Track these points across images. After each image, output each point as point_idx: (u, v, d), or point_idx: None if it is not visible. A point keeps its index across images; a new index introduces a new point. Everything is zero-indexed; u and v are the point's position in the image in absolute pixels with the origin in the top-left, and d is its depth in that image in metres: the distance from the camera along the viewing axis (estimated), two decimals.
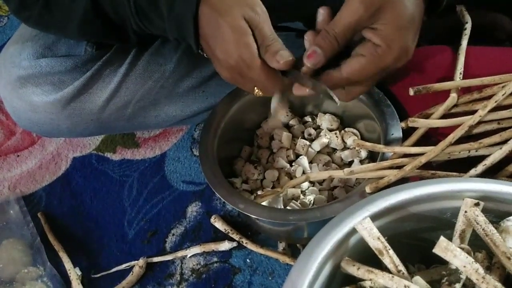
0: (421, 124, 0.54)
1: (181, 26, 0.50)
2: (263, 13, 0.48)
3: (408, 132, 0.57)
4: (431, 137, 0.56)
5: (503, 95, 0.52)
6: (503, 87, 0.53)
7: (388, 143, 0.57)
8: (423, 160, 0.51)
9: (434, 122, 0.54)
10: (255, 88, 0.51)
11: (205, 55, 0.53)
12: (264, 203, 0.60)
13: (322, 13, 0.49)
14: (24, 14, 0.58)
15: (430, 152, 0.51)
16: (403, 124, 0.57)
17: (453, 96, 0.55)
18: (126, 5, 0.51)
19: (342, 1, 0.68)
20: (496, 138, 0.51)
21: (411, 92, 0.55)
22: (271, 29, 0.49)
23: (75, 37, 0.62)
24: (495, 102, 0.52)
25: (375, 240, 0.40)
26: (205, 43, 0.50)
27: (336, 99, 0.47)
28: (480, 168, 0.49)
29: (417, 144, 0.55)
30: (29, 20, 0.58)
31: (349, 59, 0.48)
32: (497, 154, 0.49)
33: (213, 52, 0.50)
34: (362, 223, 0.40)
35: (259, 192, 0.62)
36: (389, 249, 0.39)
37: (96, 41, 0.65)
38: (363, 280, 0.41)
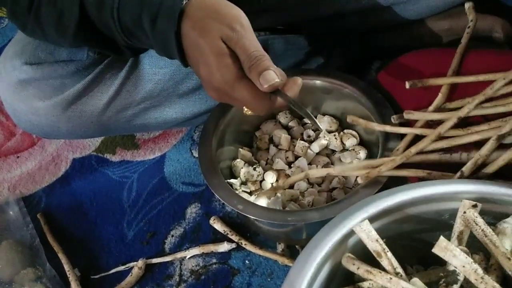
0: (417, 116, 0.55)
1: (165, 44, 0.49)
2: (244, 28, 0.46)
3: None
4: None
5: (491, 89, 0.53)
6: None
7: (386, 144, 0.57)
8: (413, 150, 0.52)
9: (430, 114, 0.55)
10: (244, 107, 0.50)
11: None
12: (263, 205, 0.60)
13: None
14: (19, 22, 0.57)
15: (421, 142, 0.52)
16: (394, 117, 0.57)
17: (441, 95, 0.56)
18: (112, 25, 0.51)
19: (342, 2, 0.70)
20: (484, 126, 0.51)
21: (407, 85, 0.56)
22: (254, 44, 0.46)
23: (70, 46, 0.62)
24: (484, 95, 0.53)
25: (374, 242, 0.40)
26: (190, 62, 0.50)
27: (320, 126, 0.49)
28: (469, 167, 0.49)
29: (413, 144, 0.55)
30: (25, 30, 0.58)
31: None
32: (484, 151, 0.49)
33: (197, 71, 0.49)
34: (360, 225, 0.41)
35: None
36: (387, 251, 0.40)
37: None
38: (362, 281, 0.41)
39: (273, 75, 0.45)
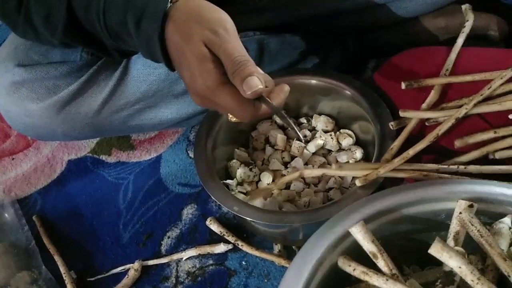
0: (412, 114, 0.55)
1: (150, 48, 0.48)
2: (228, 32, 0.45)
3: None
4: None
5: (488, 88, 0.53)
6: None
7: (382, 144, 0.57)
8: (411, 152, 0.52)
9: (425, 113, 0.55)
10: (228, 114, 0.49)
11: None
12: (259, 205, 0.59)
13: None
14: (9, 23, 0.57)
15: (418, 144, 0.52)
16: (393, 124, 0.57)
17: (434, 92, 0.56)
18: (98, 27, 0.50)
19: (338, 1, 0.69)
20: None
21: (403, 85, 0.56)
22: (239, 49, 0.45)
23: (63, 48, 0.62)
24: (481, 95, 0.53)
25: (369, 243, 0.40)
26: (175, 66, 0.49)
27: (301, 137, 0.48)
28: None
29: (409, 143, 0.55)
30: (17, 31, 0.58)
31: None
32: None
33: (181, 76, 0.48)
34: (356, 226, 0.40)
35: None
36: (383, 252, 0.39)
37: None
38: (358, 282, 0.41)
39: (256, 81, 0.44)
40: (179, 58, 0.47)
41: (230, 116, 0.49)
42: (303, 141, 0.48)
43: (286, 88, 0.48)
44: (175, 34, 0.46)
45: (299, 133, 0.48)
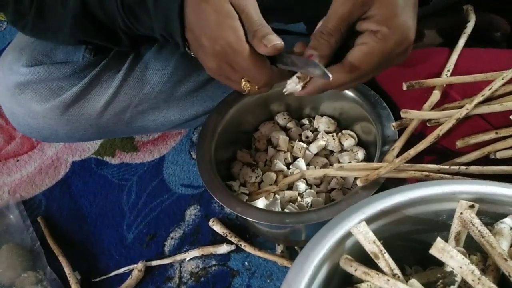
0: (414, 115, 0.55)
1: (167, 19, 0.48)
2: None
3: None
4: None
5: (489, 89, 0.53)
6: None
7: (384, 144, 0.58)
8: (412, 152, 0.52)
9: (426, 113, 0.55)
10: (243, 80, 0.49)
11: (192, 54, 0.52)
12: (261, 206, 0.60)
13: (298, 46, 0.48)
14: (20, 24, 0.58)
15: (419, 145, 0.52)
16: (394, 124, 0.57)
17: (436, 92, 0.56)
18: (113, 3, 0.50)
19: None
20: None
21: (404, 87, 0.56)
22: (259, 14, 0.47)
23: (68, 41, 0.62)
24: (482, 96, 0.53)
25: (371, 243, 0.40)
26: (191, 34, 0.48)
27: (329, 74, 0.44)
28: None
29: (410, 144, 0.55)
30: (25, 28, 0.58)
31: (351, 51, 0.46)
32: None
33: (198, 41, 0.48)
34: (357, 227, 0.40)
35: None
36: (385, 253, 0.40)
37: (89, 44, 0.64)
38: (360, 282, 0.41)
39: (276, 38, 0.45)
40: (199, 19, 0.47)
41: (244, 83, 0.49)
42: (330, 78, 0.43)
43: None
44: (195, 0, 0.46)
45: (326, 71, 0.43)
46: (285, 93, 0.49)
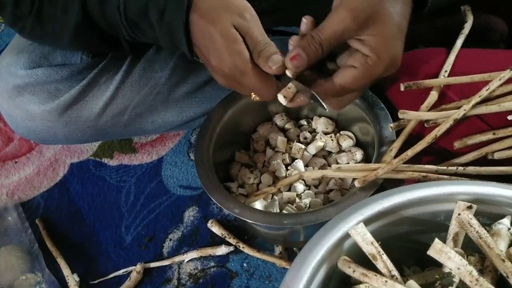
0: (411, 116, 0.55)
1: (173, 35, 0.50)
2: (253, 18, 0.49)
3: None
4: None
5: (487, 90, 0.53)
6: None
7: (381, 145, 0.58)
8: (410, 153, 0.52)
9: (424, 114, 0.55)
10: (252, 93, 0.52)
11: (200, 61, 0.53)
12: (260, 208, 0.60)
13: (305, 22, 0.49)
14: (18, 26, 0.58)
15: (417, 145, 0.52)
16: (392, 125, 0.58)
17: (433, 93, 0.56)
18: (117, 17, 0.52)
19: None
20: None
21: (402, 88, 0.56)
22: (263, 33, 0.49)
23: (68, 48, 0.63)
24: (480, 97, 0.53)
25: (369, 245, 0.40)
26: (199, 51, 0.51)
27: (325, 105, 0.48)
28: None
29: (408, 145, 0.55)
30: (23, 31, 0.59)
31: (341, 70, 0.48)
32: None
33: (207, 60, 0.50)
34: (355, 228, 0.41)
35: None
36: (383, 254, 0.40)
37: (90, 51, 0.65)
38: (358, 284, 0.41)
39: (280, 58, 0.47)
40: (206, 41, 0.49)
41: (253, 96, 0.52)
42: (326, 110, 0.49)
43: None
44: (201, 19, 0.48)
45: (322, 103, 0.48)
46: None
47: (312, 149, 0.66)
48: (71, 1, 0.53)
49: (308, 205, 0.61)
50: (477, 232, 0.39)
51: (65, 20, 0.54)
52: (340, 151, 0.66)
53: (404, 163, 0.52)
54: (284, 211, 0.60)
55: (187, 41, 0.49)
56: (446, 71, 0.58)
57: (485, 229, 0.39)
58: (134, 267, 0.65)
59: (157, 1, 0.49)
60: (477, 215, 0.40)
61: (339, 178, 0.62)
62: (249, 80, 0.49)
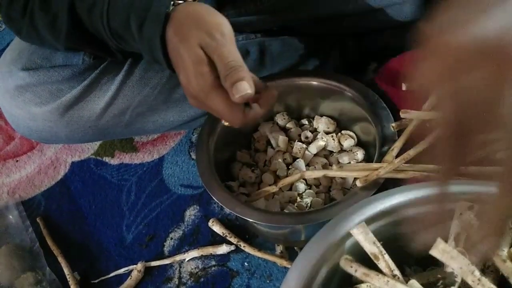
0: (413, 115, 0.55)
1: (151, 49, 0.49)
2: (223, 37, 0.46)
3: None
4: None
5: None
6: None
7: (383, 145, 0.58)
8: (411, 152, 0.52)
9: (426, 114, 0.55)
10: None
11: None
12: (261, 207, 0.60)
13: None
14: (14, 28, 0.58)
15: (419, 145, 0.52)
16: (394, 125, 0.57)
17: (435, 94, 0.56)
18: (102, 29, 0.51)
19: (340, 4, 0.69)
20: None
21: (404, 87, 0.56)
22: (233, 54, 0.46)
23: (65, 51, 0.62)
24: None
25: (371, 244, 0.40)
26: (174, 67, 0.49)
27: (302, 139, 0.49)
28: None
29: (409, 145, 0.55)
30: (20, 34, 0.59)
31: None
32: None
33: (179, 78, 0.49)
34: (357, 228, 0.40)
35: None
36: (384, 254, 0.40)
37: (86, 51, 0.65)
38: (359, 283, 0.41)
39: (245, 86, 0.44)
40: (177, 59, 0.47)
41: (224, 121, 0.51)
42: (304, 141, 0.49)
43: (274, 94, 0.49)
44: (174, 36, 0.47)
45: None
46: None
47: (313, 148, 0.66)
48: (61, 9, 0.52)
49: (309, 205, 0.61)
50: None
51: (56, 27, 0.53)
52: (342, 150, 0.66)
53: (406, 162, 0.52)
54: (285, 211, 0.60)
55: (164, 56, 0.48)
56: None
57: None
58: (135, 266, 0.65)
59: (137, 14, 0.48)
60: None
61: (341, 178, 0.62)
62: (214, 103, 0.46)
